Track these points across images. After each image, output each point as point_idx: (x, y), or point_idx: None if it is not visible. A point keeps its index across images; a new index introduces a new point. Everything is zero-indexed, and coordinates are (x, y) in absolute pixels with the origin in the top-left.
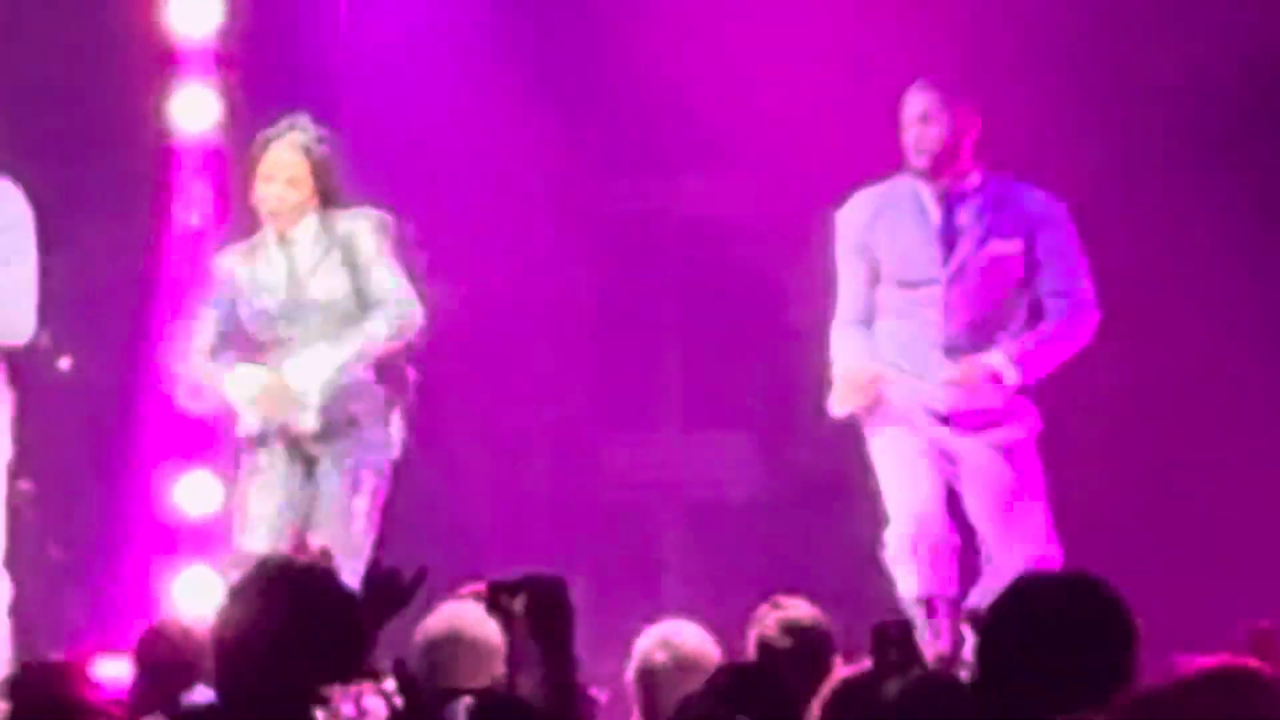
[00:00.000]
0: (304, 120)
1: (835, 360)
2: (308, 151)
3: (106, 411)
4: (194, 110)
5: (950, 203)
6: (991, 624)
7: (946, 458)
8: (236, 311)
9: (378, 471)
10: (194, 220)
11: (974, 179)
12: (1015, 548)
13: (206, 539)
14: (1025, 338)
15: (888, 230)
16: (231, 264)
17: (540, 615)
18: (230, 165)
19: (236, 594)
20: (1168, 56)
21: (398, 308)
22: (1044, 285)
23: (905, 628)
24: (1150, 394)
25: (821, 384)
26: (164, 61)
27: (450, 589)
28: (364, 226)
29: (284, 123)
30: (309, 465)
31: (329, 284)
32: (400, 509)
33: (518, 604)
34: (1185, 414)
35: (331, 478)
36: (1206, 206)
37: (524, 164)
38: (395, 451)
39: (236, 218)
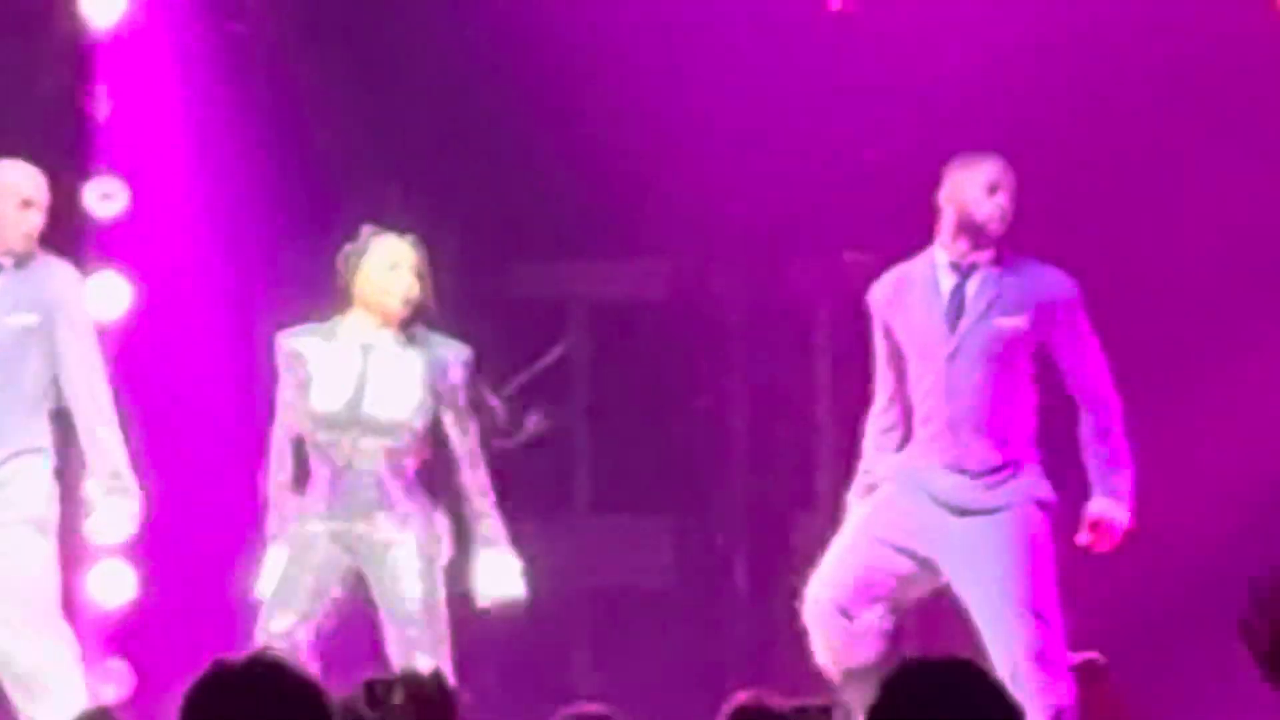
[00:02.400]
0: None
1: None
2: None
3: None
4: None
5: (964, 276)
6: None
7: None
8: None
9: None
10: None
11: (986, 252)
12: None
13: None
14: (1109, 476)
15: (902, 315)
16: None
17: (420, 710)
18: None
19: None
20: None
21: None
22: (1073, 383)
23: (826, 711)
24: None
25: (730, 464)
26: None
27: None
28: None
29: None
30: None
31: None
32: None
33: (396, 698)
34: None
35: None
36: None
37: (431, 251)
38: None
39: None
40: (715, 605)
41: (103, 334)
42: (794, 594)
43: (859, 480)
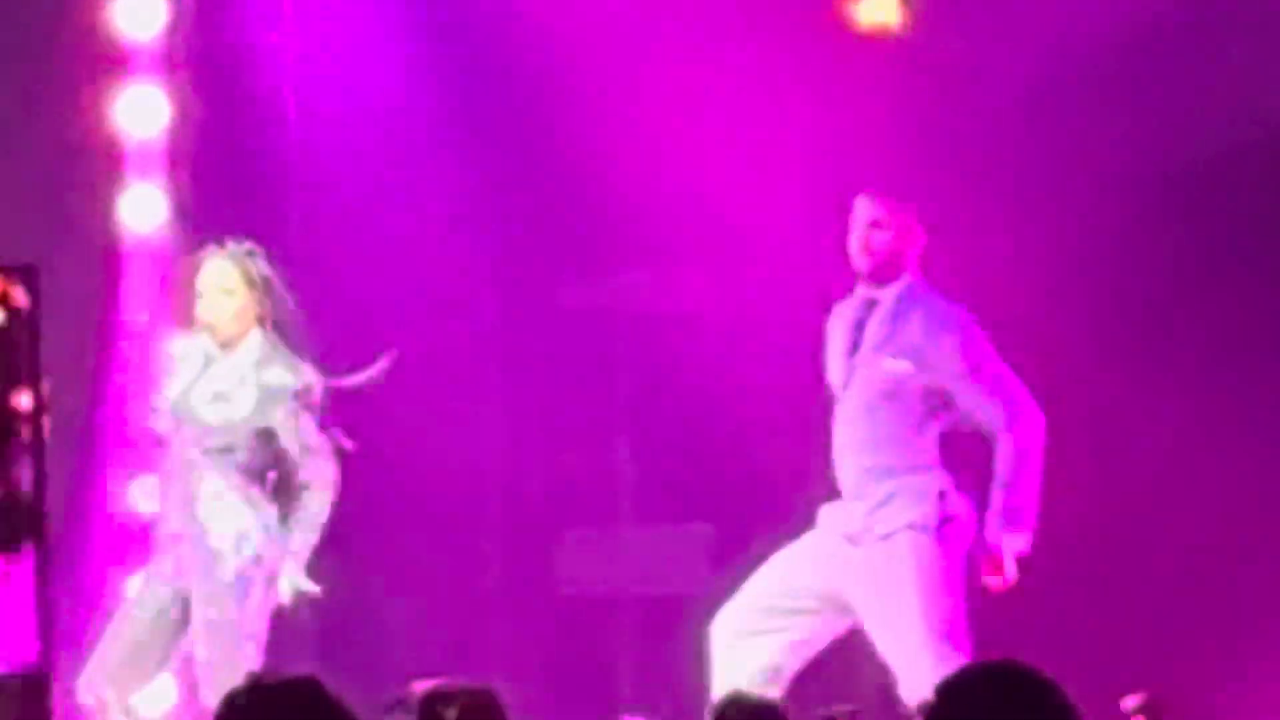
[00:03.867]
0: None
1: None
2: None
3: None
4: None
5: (866, 309)
6: (935, 713)
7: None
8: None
9: None
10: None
11: (893, 289)
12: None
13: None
14: (996, 493)
15: (831, 335)
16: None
17: None
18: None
19: None
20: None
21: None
22: (967, 400)
23: (851, 718)
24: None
25: (773, 475)
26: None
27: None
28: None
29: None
30: None
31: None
32: (350, 610)
33: (450, 714)
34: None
35: None
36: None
37: (472, 262)
38: None
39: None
40: None
41: None
42: None
43: None
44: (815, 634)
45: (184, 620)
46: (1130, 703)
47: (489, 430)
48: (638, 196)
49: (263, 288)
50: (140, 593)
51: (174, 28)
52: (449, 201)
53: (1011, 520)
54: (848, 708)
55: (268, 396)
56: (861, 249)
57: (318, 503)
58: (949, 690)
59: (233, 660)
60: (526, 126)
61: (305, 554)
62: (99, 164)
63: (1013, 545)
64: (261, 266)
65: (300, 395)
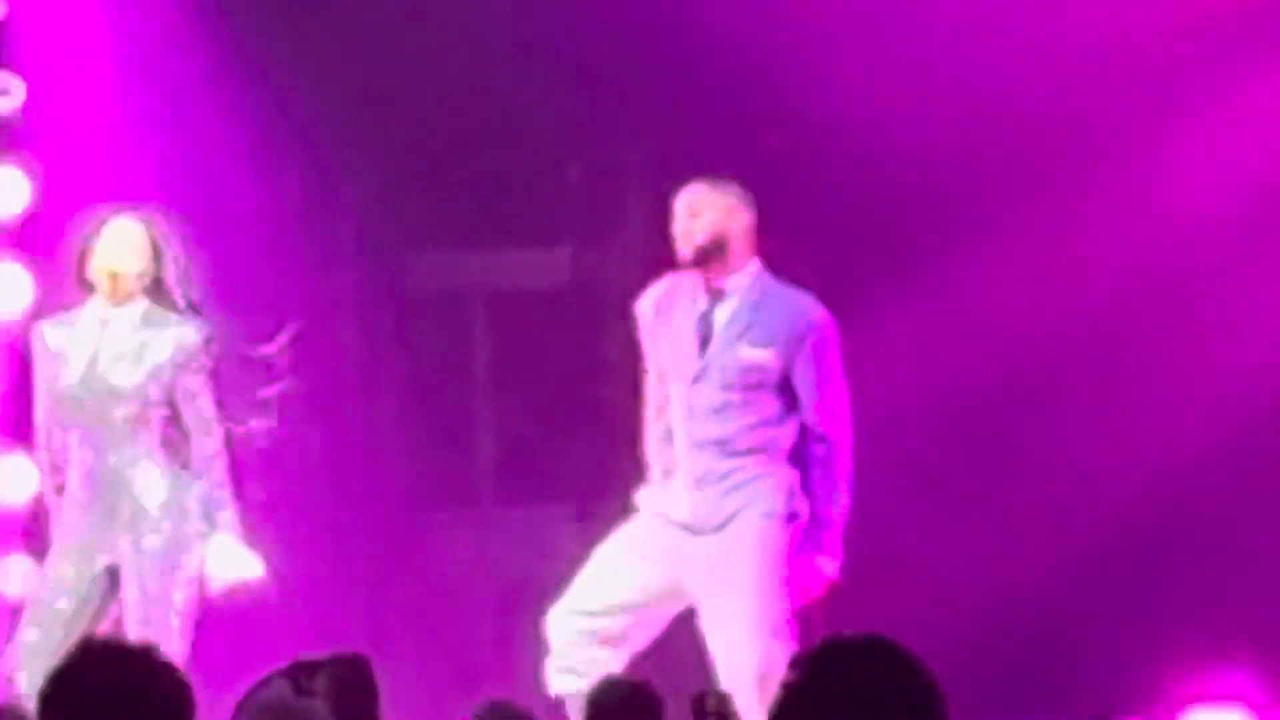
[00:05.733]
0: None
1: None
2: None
3: None
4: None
5: (715, 297)
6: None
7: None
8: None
9: None
10: None
11: (742, 278)
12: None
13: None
14: (814, 524)
15: (664, 323)
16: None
17: (345, 695)
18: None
19: None
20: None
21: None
22: (807, 415)
23: (724, 700)
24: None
25: (636, 457)
26: None
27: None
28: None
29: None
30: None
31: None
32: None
33: (321, 683)
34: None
35: None
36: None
37: (329, 241)
38: None
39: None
40: None
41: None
42: None
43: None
44: (649, 627)
45: (103, 600)
46: None
47: (347, 410)
48: (498, 173)
49: (163, 250)
50: (50, 578)
51: None
52: (304, 176)
53: (823, 547)
54: (722, 689)
55: (173, 357)
56: (683, 237)
57: (220, 472)
58: (810, 662)
59: (164, 635)
60: (382, 95)
61: (237, 526)
62: None
63: (824, 567)
64: (163, 228)
65: (196, 359)
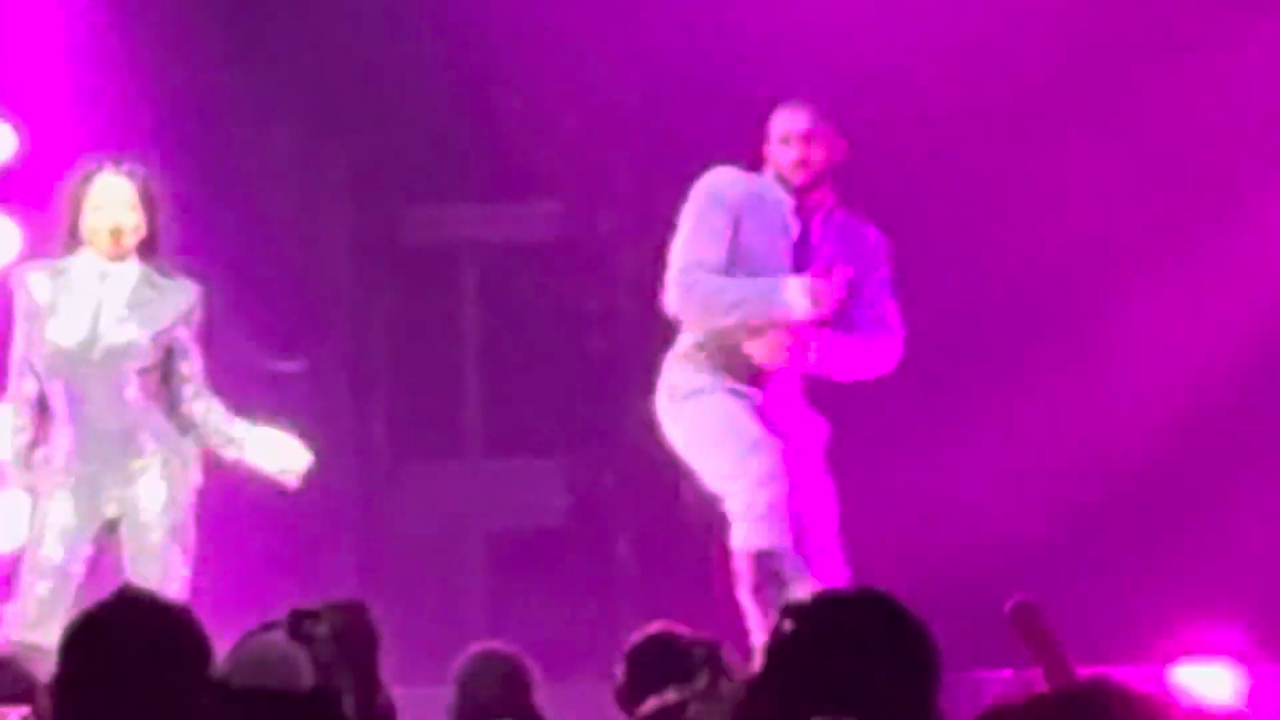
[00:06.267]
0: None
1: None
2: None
3: None
4: None
5: (806, 223)
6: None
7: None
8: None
9: None
10: None
11: (826, 205)
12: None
13: None
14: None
15: (754, 223)
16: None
17: (345, 640)
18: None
19: None
20: None
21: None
22: (863, 310)
23: (715, 647)
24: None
25: (623, 409)
26: None
27: (250, 621)
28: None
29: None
30: None
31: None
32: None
33: (321, 630)
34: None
35: None
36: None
37: (319, 194)
38: None
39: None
40: (607, 544)
41: None
42: (682, 532)
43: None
44: None
45: (100, 552)
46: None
47: (336, 362)
48: (489, 126)
49: (155, 206)
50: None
51: None
52: (294, 129)
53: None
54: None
55: (173, 314)
56: (799, 159)
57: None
58: (804, 613)
59: (163, 586)
60: (373, 48)
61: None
62: None
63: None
64: (151, 184)
65: (191, 316)
